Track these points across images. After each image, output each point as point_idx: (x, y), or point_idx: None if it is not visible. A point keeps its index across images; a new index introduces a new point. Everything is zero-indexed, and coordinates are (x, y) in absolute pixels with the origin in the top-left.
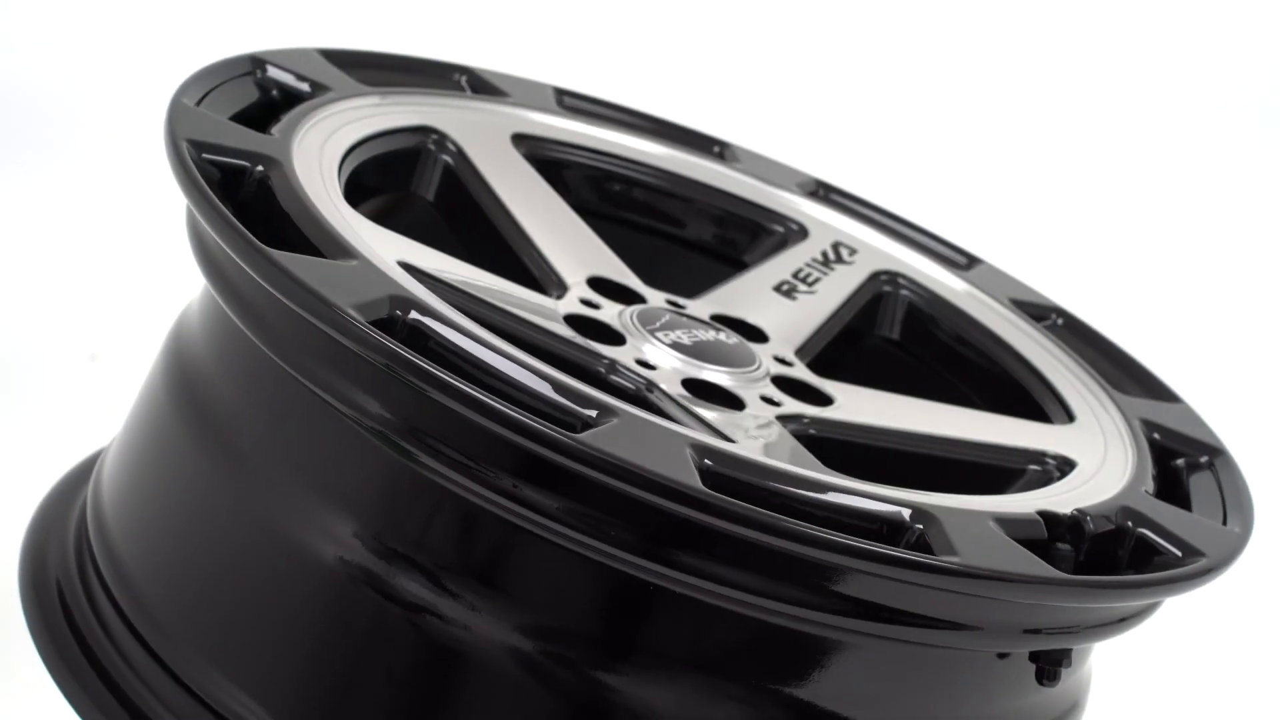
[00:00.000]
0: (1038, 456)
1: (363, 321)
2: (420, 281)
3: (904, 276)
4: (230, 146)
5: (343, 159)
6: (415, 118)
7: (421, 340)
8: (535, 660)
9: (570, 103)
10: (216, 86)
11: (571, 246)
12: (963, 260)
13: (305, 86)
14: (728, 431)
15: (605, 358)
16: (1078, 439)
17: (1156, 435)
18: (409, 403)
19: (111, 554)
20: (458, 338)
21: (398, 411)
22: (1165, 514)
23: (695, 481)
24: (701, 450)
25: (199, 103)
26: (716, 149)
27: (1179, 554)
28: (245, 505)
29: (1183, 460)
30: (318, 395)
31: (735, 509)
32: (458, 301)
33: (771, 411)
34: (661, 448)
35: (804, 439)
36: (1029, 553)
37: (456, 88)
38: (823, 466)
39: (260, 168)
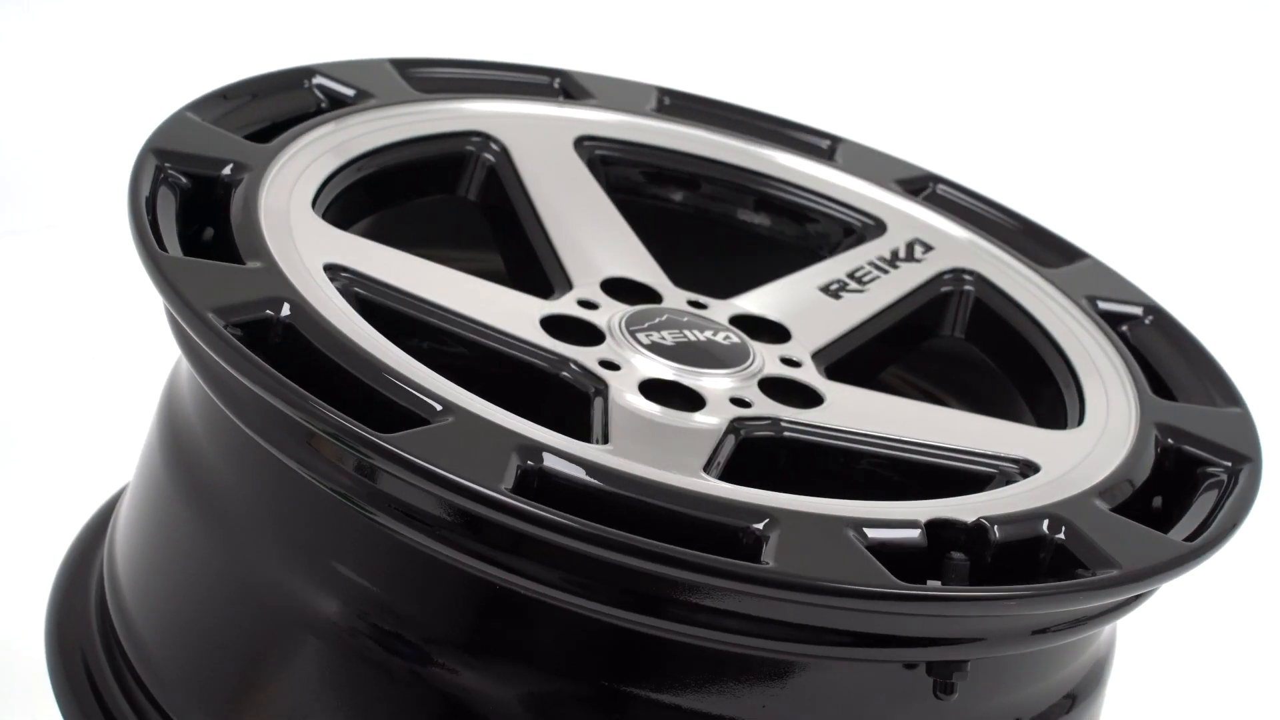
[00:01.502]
0: (1001, 460)
1: (214, 317)
2: (338, 282)
3: (975, 274)
4: (204, 156)
5: (346, 166)
6: (464, 123)
7: (263, 335)
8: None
9: (672, 104)
10: (267, 95)
11: (599, 247)
12: (1056, 258)
13: (350, 93)
14: (654, 431)
15: (562, 357)
16: (1064, 443)
17: (1171, 440)
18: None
19: (128, 624)
20: (316, 335)
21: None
22: (1099, 523)
23: (495, 482)
24: (527, 451)
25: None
26: (827, 144)
27: (1091, 566)
28: (231, 568)
29: (1204, 469)
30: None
31: (530, 512)
32: (381, 301)
33: (731, 413)
34: (484, 448)
35: (766, 441)
36: (871, 561)
37: (547, 91)
38: (699, 469)
39: (229, 173)
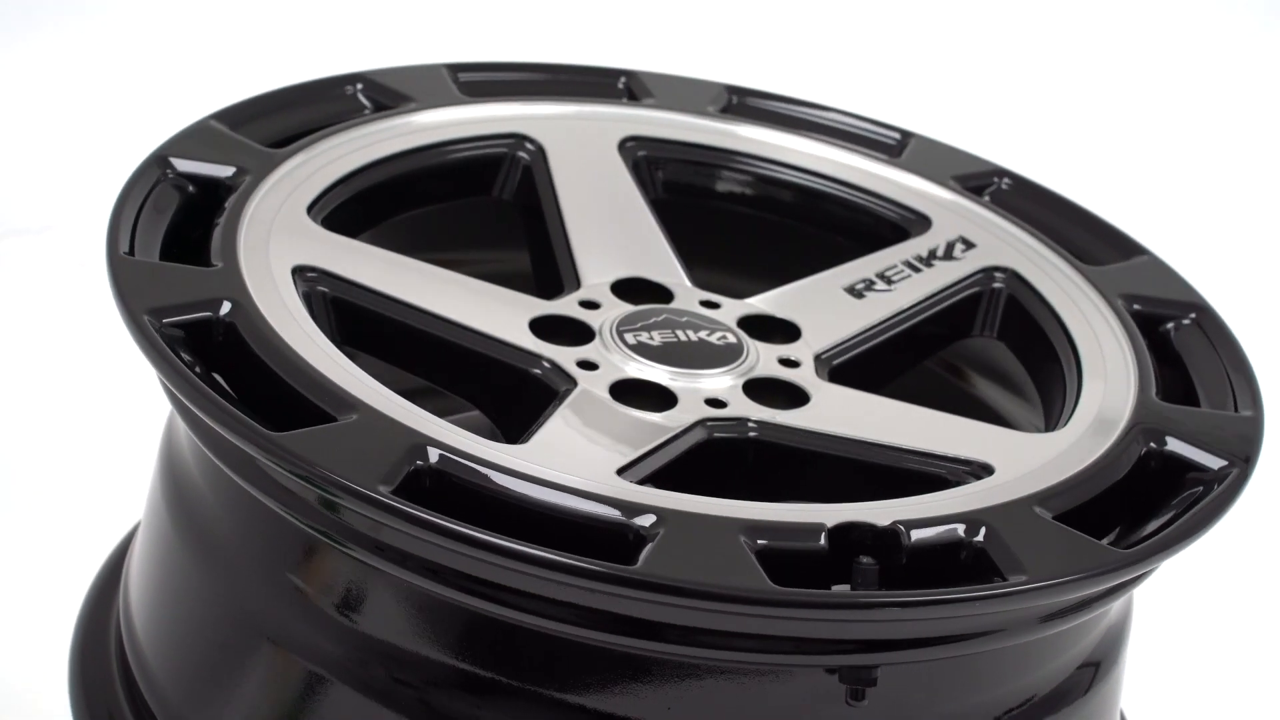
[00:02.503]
0: (956, 463)
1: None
2: (303, 284)
3: (1009, 272)
4: (210, 160)
5: (360, 171)
6: (502, 125)
7: (206, 335)
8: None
9: (740, 102)
10: (307, 102)
11: (619, 248)
12: (1112, 254)
13: (388, 100)
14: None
15: (535, 356)
16: (1034, 446)
17: (1154, 444)
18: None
19: (144, 668)
20: (250, 334)
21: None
22: (1029, 529)
23: (372, 481)
24: (416, 451)
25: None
26: (897, 139)
27: (1004, 572)
28: (226, 605)
29: (1192, 474)
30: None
31: (404, 511)
32: (352, 302)
33: (702, 414)
34: (374, 448)
35: (729, 442)
36: (751, 564)
37: (610, 92)
38: (613, 471)
39: (230, 177)
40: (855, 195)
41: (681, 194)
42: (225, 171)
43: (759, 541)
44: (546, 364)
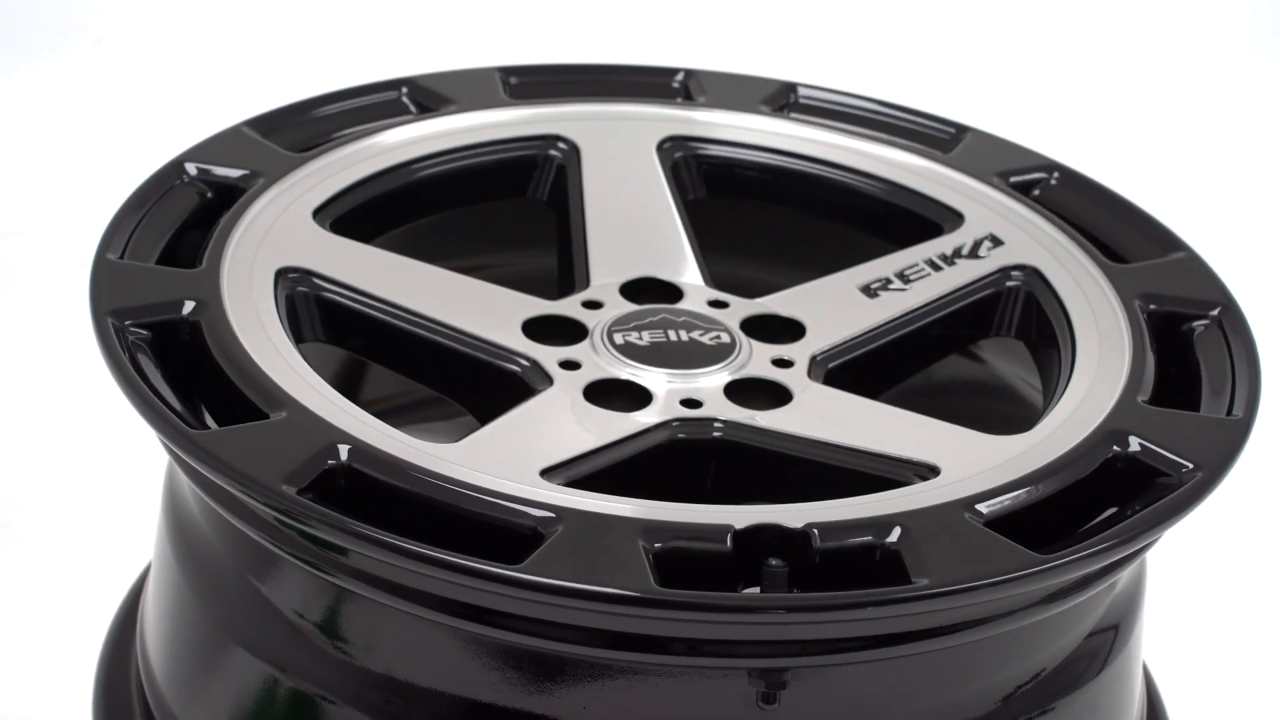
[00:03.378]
0: (904, 464)
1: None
2: (285, 286)
3: (1030, 270)
4: (228, 163)
5: (384, 172)
6: (540, 126)
7: (173, 334)
8: None
9: (796, 100)
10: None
11: (638, 247)
12: (1152, 250)
13: (431, 103)
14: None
15: (511, 354)
16: (992, 448)
17: (1119, 448)
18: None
19: (165, 712)
20: (210, 333)
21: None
22: (949, 532)
23: (277, 480)
24: (329, 450)
25: None
26: (951, 134)
27: (911, 576)
28: (226, 636)
29: (1160, 479)
30: None
31: (306, 510)
32: (339, 302)
33: (675, 414)
34: (292, 446)
35: (693, 442)
36: (639, 563)
37: (664, 92)
38: (537, 473)
39: (241, 180)
40: (892, 193)
41: (721, 193)
42: (236, 174)
43: (657, 544)
44: (525, 362)
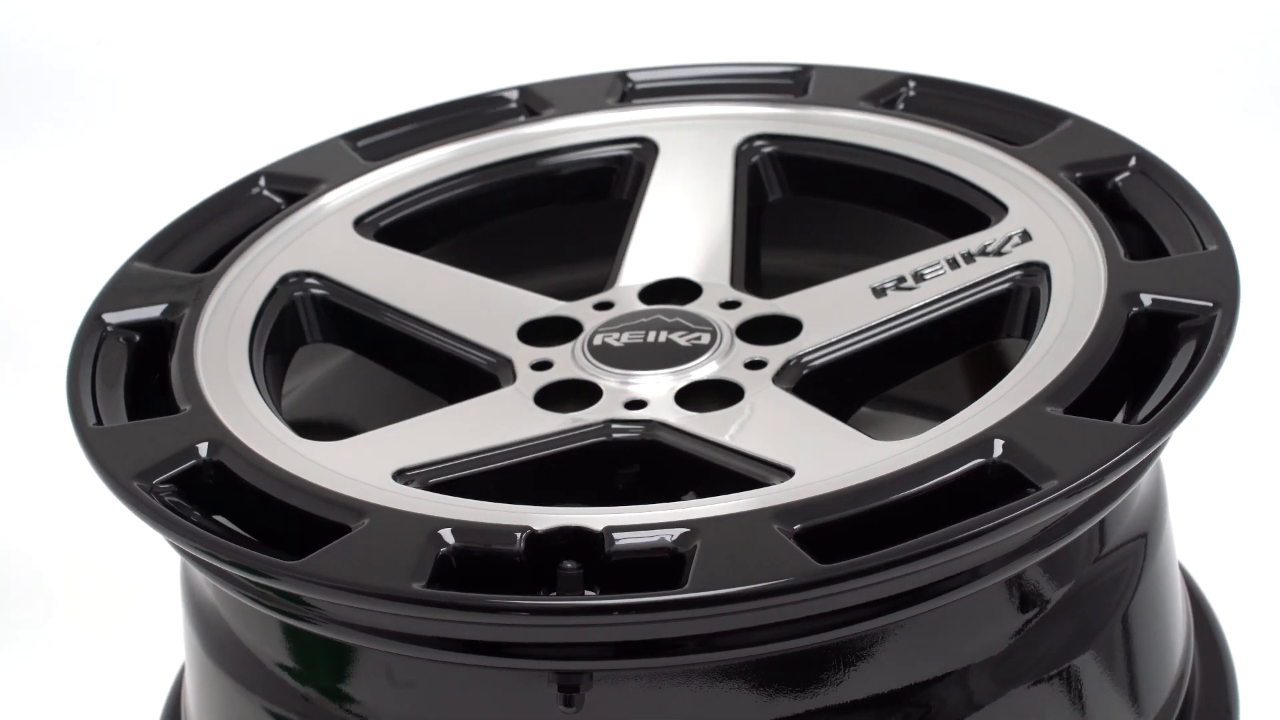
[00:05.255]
0: (767, 466)
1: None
2: (287, 289)
3: (1041, 267)
4: (303, 174)
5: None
6: (628, 129)
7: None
8: None
9: (903, 94)
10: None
11: (678, 249)
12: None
13: (537, 107)
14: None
15: (487, 352)
16: (859, 452)
17: (983, 457)
18: None
19: None
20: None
21: None
22: (743, 539)
23: (130, 470)
24: (190, 451)
25: None
26: (1048, 122)
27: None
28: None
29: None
30: None
31: (148, 506)
32: (340, 305)
33: (613, 415)
34: (163, 443)
35: (627, 444)
36: (425, 564)
37: (777, 89)
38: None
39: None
40: (948, 184)
41: (800, 191)
42: (313, 184)
43: (452, 542)
44: (491, 360)
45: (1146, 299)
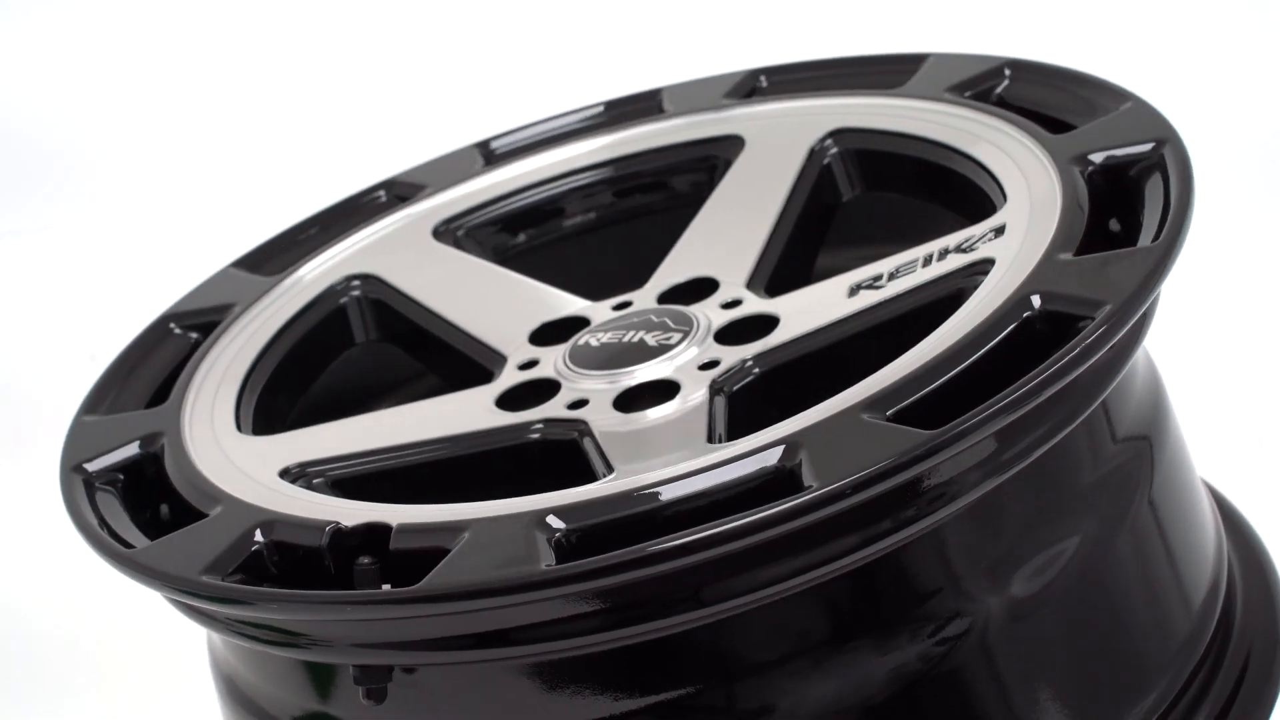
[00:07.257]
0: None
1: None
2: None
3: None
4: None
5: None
6: (723, 127)
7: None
8: None
9: (1000, 84)
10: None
11: (717, 247)
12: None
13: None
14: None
15: (495, 353)
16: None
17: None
18: None
19: None
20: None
21: None
22: (499, 540)
23: (70, 470)
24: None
25: None
26: (1109, 109)
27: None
28: None
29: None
30: None
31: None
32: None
33: (555, 414)
34: (111, 439)
35: (555, 444)
36: (239, 554)
37: (884, 83)
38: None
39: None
40: (978, 174)
41: (871, 185)
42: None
43: (270, 536)
44: (489, 357)
45: (1097, 157)
